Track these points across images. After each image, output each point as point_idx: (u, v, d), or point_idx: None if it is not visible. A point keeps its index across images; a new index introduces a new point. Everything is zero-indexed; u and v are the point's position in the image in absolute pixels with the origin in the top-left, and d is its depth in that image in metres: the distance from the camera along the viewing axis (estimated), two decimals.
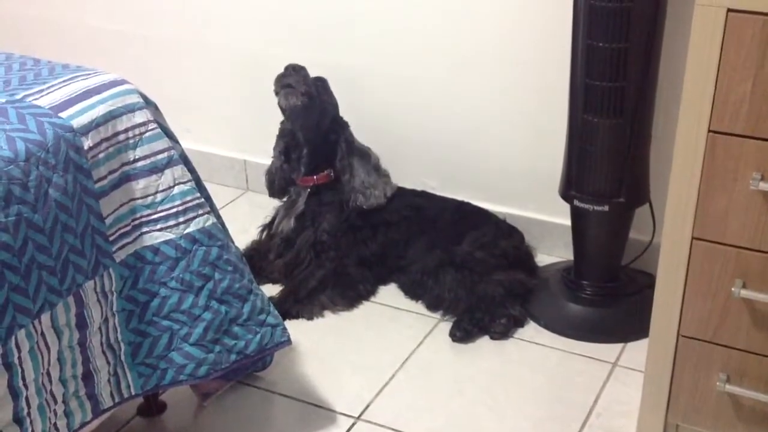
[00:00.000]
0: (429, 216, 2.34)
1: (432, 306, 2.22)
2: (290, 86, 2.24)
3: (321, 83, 2.30)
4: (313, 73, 2.29)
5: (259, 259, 2.35)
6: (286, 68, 2.28)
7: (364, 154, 2.34)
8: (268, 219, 2.45)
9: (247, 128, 2.75)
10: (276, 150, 2.40)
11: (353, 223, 2.31)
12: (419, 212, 2.35)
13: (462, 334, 2.10)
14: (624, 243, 2.14)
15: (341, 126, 2.34)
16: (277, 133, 2.40)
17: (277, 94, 2.27)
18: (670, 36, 1.96)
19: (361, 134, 2.37)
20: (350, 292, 2.26)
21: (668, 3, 1.90)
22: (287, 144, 2.36)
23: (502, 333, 2.11)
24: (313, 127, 2.29)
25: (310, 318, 2.21)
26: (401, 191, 2.40)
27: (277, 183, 2.41)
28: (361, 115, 2.39)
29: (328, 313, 2.22)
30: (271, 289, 2.27)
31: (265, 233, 2.44)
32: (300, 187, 2.37)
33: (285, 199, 2.43)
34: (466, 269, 2.19)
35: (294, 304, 2.21)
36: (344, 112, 2.36)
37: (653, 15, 1.86)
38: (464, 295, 2.15)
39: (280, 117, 2.35)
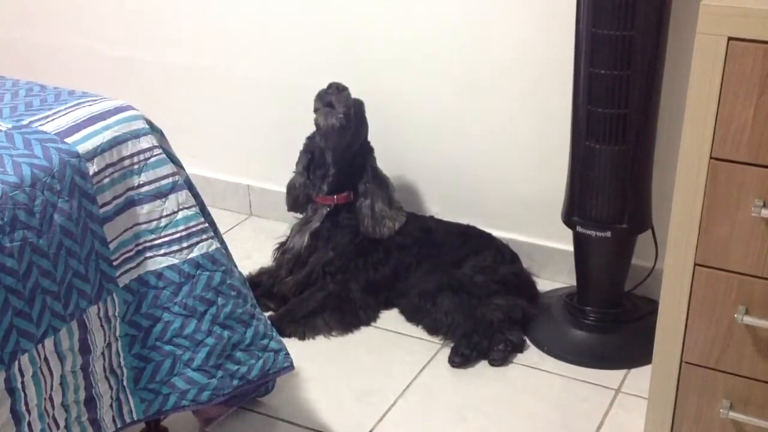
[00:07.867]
0: (437, 239, 2.34)
1: (431, 330, 2.21)
2: (331, 105, 2.22)
3: (359, 107, 2.28)
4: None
5: (270, 277, 2.35)
6: (330, 86, 2.25)
7: (384, 183, 2.34)
8: (284, 238, 2.44)
9: (250, 153, 2.76)
10: (299, 165, 2.39)
11: (365, 246, 2.30)
12: (429, 235, 2.35)
13: (460, 359, 2.09)
14: (627, 269, 2.14)
15: (368, 150, 2.35)
16: (300, 150, 2.39)
17: (316, 111, 2.24)
18: (672, 64, 1.97)
19: None
20: (349, 318, 2.25)
21: (670, 31, 1.91)
22: (310, 160, 2.35)
23: (501, 359, 2.10)
24: (344, 149, 2.28)
25: (301, 338, 2.20)
26: (412, 215, 2.40)
27: (301, 198, 2.39)
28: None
29: (329, 338, 2.22)
30: None
31: (279, 251, 2.43)
32: (318, 205, 2.36)
33: (300, 217, 2.42)
34: (465, 293, 2.18)
35: (289, 324, 2.20)
36: None
37: (655, 43, 1.88)
38: (462, 320, 2.14)
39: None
